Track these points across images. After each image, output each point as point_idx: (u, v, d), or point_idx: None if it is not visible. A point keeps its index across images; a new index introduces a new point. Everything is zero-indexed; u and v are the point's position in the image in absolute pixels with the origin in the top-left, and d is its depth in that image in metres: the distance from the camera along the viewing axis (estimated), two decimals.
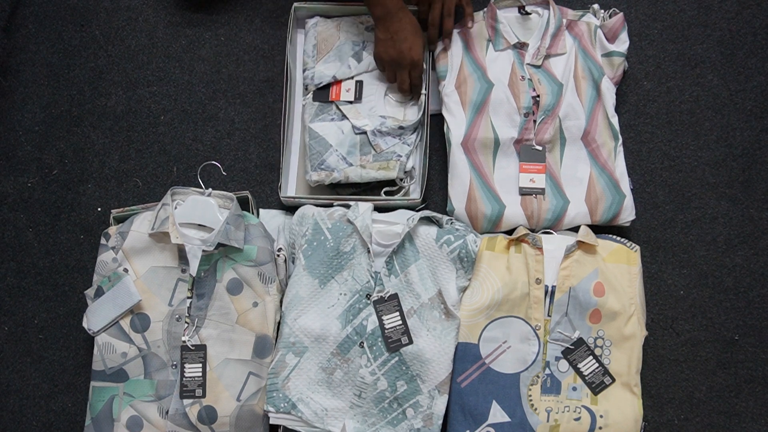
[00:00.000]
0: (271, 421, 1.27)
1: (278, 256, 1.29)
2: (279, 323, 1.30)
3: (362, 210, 1.30)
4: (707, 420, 1.37)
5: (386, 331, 1.26)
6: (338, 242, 1.29)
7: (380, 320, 1.26)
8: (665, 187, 1.43)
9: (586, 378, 1.27)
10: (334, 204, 1.34)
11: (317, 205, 1.35)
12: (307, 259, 1.29)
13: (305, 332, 1.27)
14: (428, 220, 1.32)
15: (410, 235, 1.29)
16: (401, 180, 1.38)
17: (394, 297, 1.27)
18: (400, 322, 1.26)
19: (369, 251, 1.28)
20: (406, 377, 1.26)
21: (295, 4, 1.42)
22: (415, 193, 1.41)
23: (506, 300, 1.27)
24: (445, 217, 1.32)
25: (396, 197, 1.35)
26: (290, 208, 1.41)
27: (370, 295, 1.27)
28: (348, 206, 1.33)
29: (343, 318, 1.27)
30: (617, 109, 1.39)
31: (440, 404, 1.26)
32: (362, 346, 1.26)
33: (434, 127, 1.43)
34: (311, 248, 1.30)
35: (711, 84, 1.46)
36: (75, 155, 1.47)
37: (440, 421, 1.26)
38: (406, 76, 1.35)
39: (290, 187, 1.43)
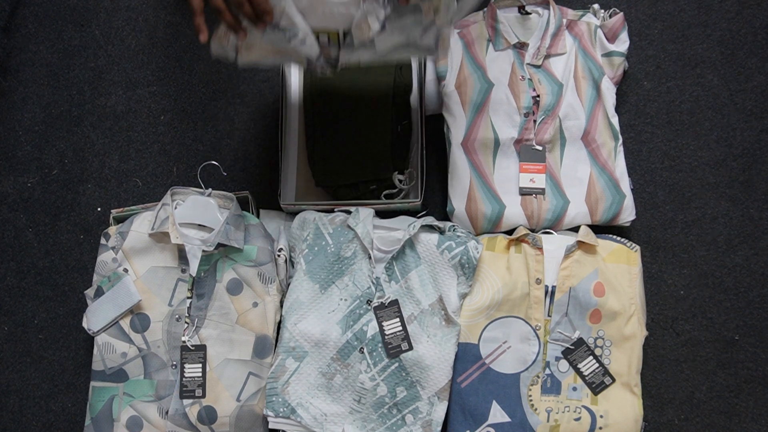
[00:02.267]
0: (270, 426, 1.27)
1: (279, 256, 1.29)
2: (279, 326, 1.30)
3: (363, 216, 1.29)
4: (707, 420, 1.37)
5: (386, 337, 1.26)
6: (339, 247, 1.29)
7: (380, 326, 1.26)
8: (665, 187, 1.43)
9: (586, 378, 1.27)
10: (335, 210, 1.34)
11: (318, 211, 1.34)
12: (308, 264, 1.29)
13: (305, 337, 1.27)
14: (430, 227, 1.32)
15: (411, 241, 1.29)
16: (401, 182, 1.37)
17: (395, 303, 1.27)
18: (401, 328, 1.26)
19: (370, 257, 1.28)
20: (406, 383, 1.26)
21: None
22: (414, 195, 1.40)
23: (506, 300, 1.27)
24: (448, 224, 1.32)
25: (396, 200, 1.35)
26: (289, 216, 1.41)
27: (371, 301, 1.27)
28: (349, 212, 1.33)
29: (344, 323, 1.27)
30: (617, 109, 1.39)
31: (440, 411, 1.26)
32: (362, 352, 1.26)
33: (434, 127, 1.43)
34: (312, 253, 1.30)
35: (711, 84, 1.46)
36: (75, 155, 1.47)
37: (439, 428, 1.26)
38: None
39: (290, 194, 1.42)
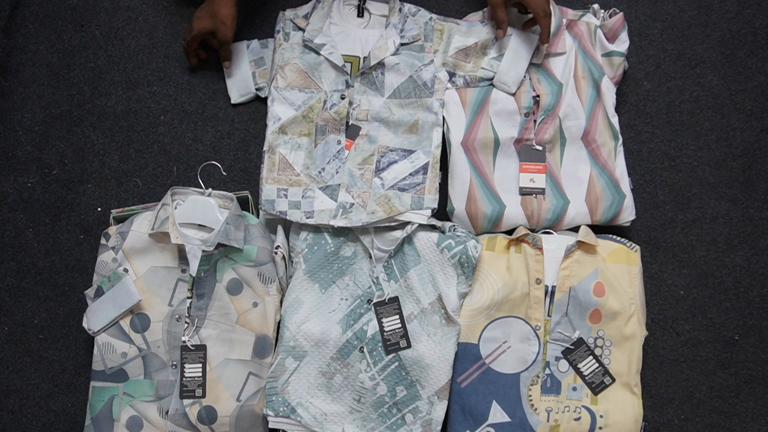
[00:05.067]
0: (270, 425, 1.27)
1: (276, 253, 1.29)
2: (279, 325, 1.30)
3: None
4: (707, 420, 1.37)
5: (385, 333, 1.26)
6: (339, 247, 1.29)
7: (380, 323, 1.26)
8: (665, 187, 1.43)
9: (586, 378, 1.27)
10: None
11: None
12: (307, 264, 1.29)
13: (305, 336, 1.27)
14: (430, 226, 1.31)
15: (411, 240, 1.29)
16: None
17: (395, 300, 1.27)
18: (400, 325, 1.26)
19: (371, 256, 1.28)
20: (406, 383, 1.26)
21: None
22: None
23: (506, 300, 1.27)
24: (448, 224, 1.32)
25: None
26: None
27: (372, 300, 1.27)
28: None
29: (344, 323, 1.27)
30: (617, 109, 1.39)
31: (439, 410, 1.26)
32: (362, 351, 1.26)
33: None
34: (312, 252, 1.30)
35: (711, 84, 1.46)
36: (75, 155, 1.47)
37: (439, 428, 1.26)
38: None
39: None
